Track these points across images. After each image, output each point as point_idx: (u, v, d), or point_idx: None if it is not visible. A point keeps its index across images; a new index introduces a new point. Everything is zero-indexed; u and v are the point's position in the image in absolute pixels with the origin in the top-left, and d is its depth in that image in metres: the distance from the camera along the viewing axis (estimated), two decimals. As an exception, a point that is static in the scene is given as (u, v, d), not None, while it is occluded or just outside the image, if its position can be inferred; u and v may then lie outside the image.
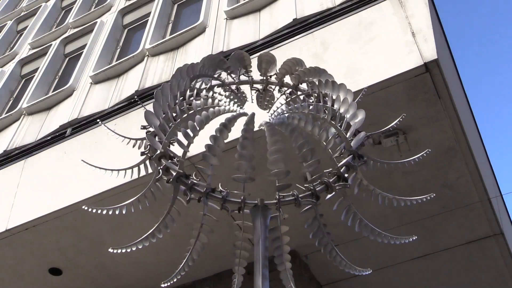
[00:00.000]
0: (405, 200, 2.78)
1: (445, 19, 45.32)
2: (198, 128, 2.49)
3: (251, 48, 6.58)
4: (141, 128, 2.71)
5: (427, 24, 5.08)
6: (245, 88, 3.30)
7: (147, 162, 2.69)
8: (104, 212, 2.65)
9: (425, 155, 2.89)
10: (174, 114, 2.67)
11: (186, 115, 2.63)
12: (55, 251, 6.59)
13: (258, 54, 6.27)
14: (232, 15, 7.60)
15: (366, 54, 5.24)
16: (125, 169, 2.77)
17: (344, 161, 2.60)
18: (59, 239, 6.44)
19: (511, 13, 31.82)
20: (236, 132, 2.56)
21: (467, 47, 34.66)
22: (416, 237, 2.73)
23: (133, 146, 2.82)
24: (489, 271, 6.97)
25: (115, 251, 2.61)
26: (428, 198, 2.83)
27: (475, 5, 35.03)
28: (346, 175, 2.60)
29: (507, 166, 31.04)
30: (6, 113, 9.40)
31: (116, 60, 8.85)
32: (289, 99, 3.13)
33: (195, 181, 2.51)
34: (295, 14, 6.67)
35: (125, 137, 2.86)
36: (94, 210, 2.65)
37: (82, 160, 2.99)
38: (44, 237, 6.41)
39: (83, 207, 2.76)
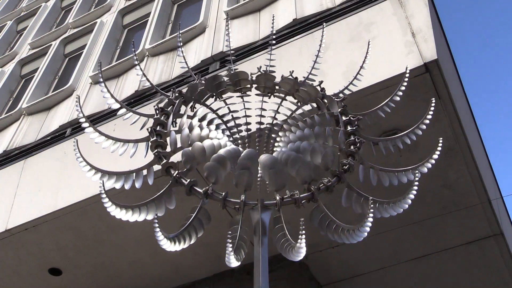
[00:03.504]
0: (408, 173, 2.79)
1: (445, 19, 45.32)
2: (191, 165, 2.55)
3: (251, 49, 6.58)
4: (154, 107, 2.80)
5: (427, 24, 5.08)
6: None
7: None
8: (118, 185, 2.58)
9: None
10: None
11: (184, 146, 2.70)
12: (55, 251, 6.59)
13: (258, 54, 6.31)
14: (232, 15, 7.60)
15: (366, 54, 5.24)
16: (132, 141, 2.78)
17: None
18: (59, 239, 6.43)
19: (511, 12, 31.82)
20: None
21: (467, 47, 34.67)
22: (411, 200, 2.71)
23: (140, 129, 2.85)
24: (489, 271, 6.96)
25: (104, 196, 2.54)
26: (429, 166, 2.84)
27: (475, 5, 35.04)
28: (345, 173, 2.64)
29: (507, 167, 31.05)
30: (6, 113, 9.40)
31: (116, 60, 8.85)
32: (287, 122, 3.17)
33: (196, 180, 2.54)
34: (295, 14, 6.67)
35: (138, 113, 2.88)
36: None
37: (90, 124, 2.97)
38: (44, 237, 6.40)
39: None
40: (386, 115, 5.01)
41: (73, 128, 7.54)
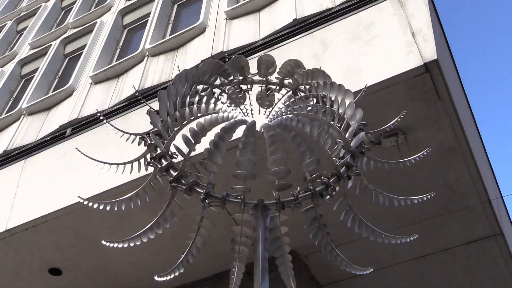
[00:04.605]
0: (405, 200, 2.79)
1: (445, 19, 45.33)
2: (200, 135, 2.52)
3: (251, 49, 6.58)
4: (147, 113, 2.72)
5: (427, 24, 5.08)
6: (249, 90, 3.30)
7: (147, 158, 2.70)
8: (101, 207, 2.66)
9: (425, 153, 2.90)
10: (174, 118, 2.69)
11: (186, 121, 2.65)
12: (55, 251, 6.59)
13: (258, 54, 6.31)
14: (232, 15, 7.60)
15: (366, 54, 5.24)
16: (125, 163, 2.78)
17: (343, 160, 2.60)
18: (59, 239, 6.43)
19: (511, 13, 31.82)
20: (237, 132, 2.57)
21: (467, 47, 34.68)
22: (416, 235, 2.75)
23: (132, 142, 2.81)
24: (489, 271, 6.97)
25: (109, 244, 2.60)
26: (428, 197, 2.84)
27: (475, 5, 35.05)
28: (346, 174, 2.61)
29: (507, 167, 31.05)
30: (6, 113, 9.40)
31: (116, 60, 8.85)
32: (288, 102, 3.13)
33: (196, 180, 2.53)
34: (295, 14, 6.67)
35: (125, 132, 2.86)
36: (93, 205, 2.66)
37: (80, 151, 2.97)
38: (44, 237, 6.41)
39: (80, 200, 2.76)
40: (386, 115, 5.01)
41: (73, 128, 7.54)
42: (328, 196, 2.55)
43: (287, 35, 6.35)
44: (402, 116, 3.13)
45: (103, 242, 2.58)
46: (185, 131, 2.60)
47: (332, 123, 2.67)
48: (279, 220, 2.61)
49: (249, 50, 6.56)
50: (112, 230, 6.21)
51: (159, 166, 2.58)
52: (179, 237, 5.79)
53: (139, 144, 2.75)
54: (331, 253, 2.71)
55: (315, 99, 2.95)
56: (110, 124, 2.97)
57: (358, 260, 6.59)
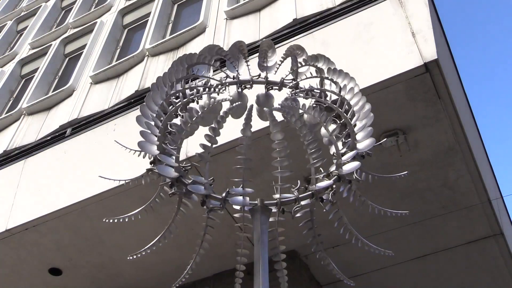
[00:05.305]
0: (379, 210, 2.80)
1: (445, 19, 45.34)
2: (195, 119, 2.52)
3: (251, 48, 6.57)
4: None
5: (427, 24, 5.08)
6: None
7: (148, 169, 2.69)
8: (116, 220, 2.70)
9: (402, 175, 2.90)
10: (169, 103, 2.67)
11: (180, 103, 2.65)
12: (55, 251, 6.59)
13: (258, 54, 6.31)
14: (232, 15, 7.61)
15: (366, 54, 5.24)
16: (133, 180, 2.78)
17: (354, 166, 2.53)
18: (59, 239, 6.44)
19: (511, 13, 31.82)
20: (235, 133, 2.56)
21: (467, 47, 34.68)
22: (393, 253, 2.79)
23: (138, 156, 2.79)
24: (489, 271, 6.97)
25: (134, 257, 2.66)
26: (403, 214, 2.86)
27: (475, 5, 35.05)
28: (348, 177, 2.59)
29: (507, 166, 31.05)
30: (6, 113, 9.41)
31: (116, 60, 8.85)
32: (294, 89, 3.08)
33: (196, 180, 2.52)
34: (295, 14, 6.67)
35: (132, 149, 2.84)
36: (109, 220, 2.71)
37: (103, 177, 3.00)
38: (44, 237, 6.41)
39: (104, 220, 2.82)
40: (386, 115, 5.02)
41: (73, 128, 7.54)
42: (329, 203, 2.55)
43: (287, 35, 6.35)
44: (382, 143, 3.11)
45: (129, 258, 2.63)
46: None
47: (345, 114, 2.62)
48: (277, 219, 2.62)
49: (249, 50, 6.55)
50: (112, 229, 6.21)
51: (156, 171, 2.55)
52: (179, 237, 5.79)
53: (144, 157, 2.71)
54: (322, 257, 2.71)
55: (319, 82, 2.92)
56: (119, 143, 2.95)
57: (358, 260, 6.63)
